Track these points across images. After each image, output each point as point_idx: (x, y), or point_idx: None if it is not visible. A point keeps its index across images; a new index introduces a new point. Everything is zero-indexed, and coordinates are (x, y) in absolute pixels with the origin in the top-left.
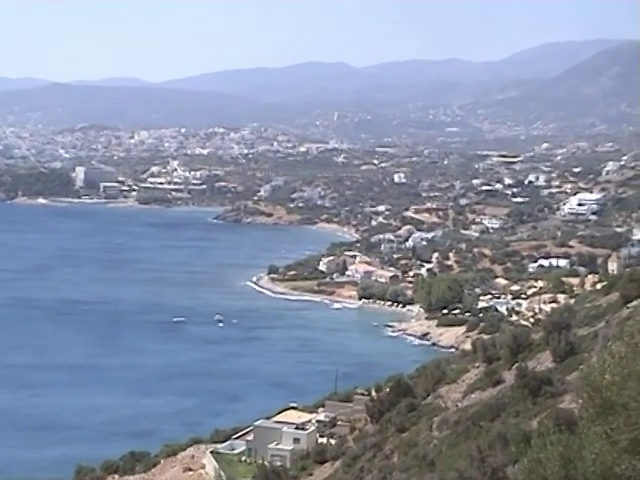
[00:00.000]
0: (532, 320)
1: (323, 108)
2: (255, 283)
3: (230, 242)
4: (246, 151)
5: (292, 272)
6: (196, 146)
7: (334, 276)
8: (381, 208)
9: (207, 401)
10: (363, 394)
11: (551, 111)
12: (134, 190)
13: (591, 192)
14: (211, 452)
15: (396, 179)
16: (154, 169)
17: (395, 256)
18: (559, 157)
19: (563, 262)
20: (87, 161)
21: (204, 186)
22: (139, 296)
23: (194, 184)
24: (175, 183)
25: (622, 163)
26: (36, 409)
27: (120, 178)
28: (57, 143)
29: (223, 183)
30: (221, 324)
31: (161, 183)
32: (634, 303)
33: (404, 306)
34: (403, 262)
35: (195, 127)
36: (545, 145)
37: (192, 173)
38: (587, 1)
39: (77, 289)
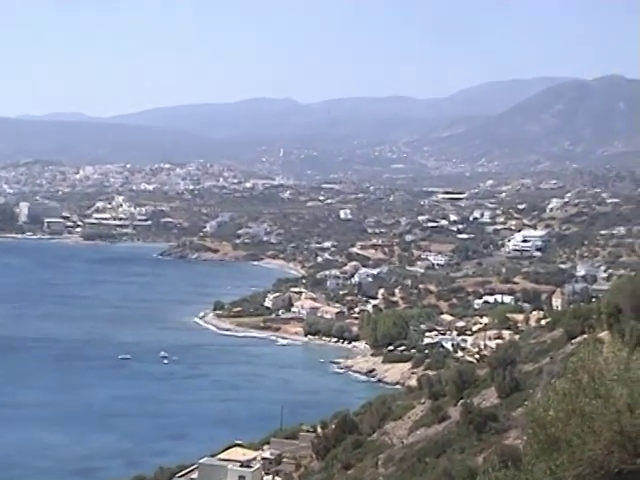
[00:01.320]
0: (477, 356)
1: (269, 144)
2: (200, 319)
3: (175, 278)
4: (192, 187)
5: (238, 308)
6: (141, 182)
7: (280, 312)
8: (327, 244)
9: (151, 439)
10: (309, 431)
11: (496, 148)
12: (79, 226)
13: (535, 229)
14: None
15: (342, 215)
16: (99, 204)
17: (341, 292)
18: (504, 194)
19: (508, 298)
20: (31, 196)
21: (149, 222)
22: (84, 332)
23: (139, 220)
24: (120, 219)
25: (566, 200)
26: None
27: (65, 214)
28: (0, 178)
29: (169, 219)
30: (166, 361)
31: (106, 219)
32: (578, 339)
33: (350, 342)
34: (349, 298)
35: (141, 163)
36: (490, 182)
37: (137, 209)
38: (530, 40)
39: (20, 325)
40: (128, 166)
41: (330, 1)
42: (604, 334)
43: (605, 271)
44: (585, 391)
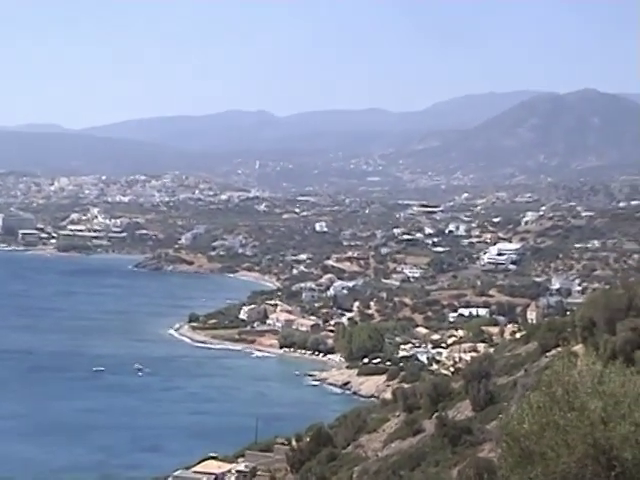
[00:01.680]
0: (452, 369)
1: (245, 156)
2: (175, 331)
3: (150, 290)
4: (167, 199)
5: (213, 320)
6: (117, 193)
7: (255, 325)
8: (302, 257)
9: (125, 451)
10: (283, 444)
11: (471, 161)
12: (53, 237)
13: (510, 242)
14: None
15: (317, 228)
16: (74, 216)
17: (316, 305)
18: (479, 207)
19: (483, 311)
20: (5, 208)
21: (125, 234)
22: (58, 344)
23: (114, 231)
24: (95, 230)
25: (541, 213)
26: None
27: (39, 225)
28: None
29: (144, 231)
30: (141, 373)
31: (81, 230)
32: (552, 352)
33: (325, 355)
34: (324, 311)
35: (116, 174)
36: (465, 195)
37: (112, 220)
38: (505, 53)
39: None
40: (103, 178)
41: (303, 14)
42: (578, 347)
43: (579, 284)
44: (559, 404)
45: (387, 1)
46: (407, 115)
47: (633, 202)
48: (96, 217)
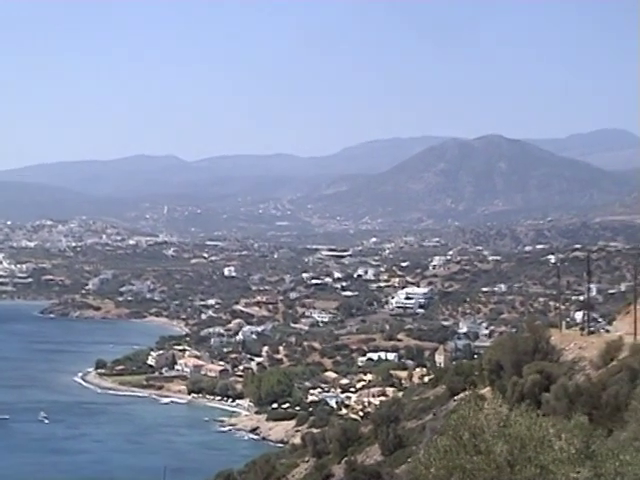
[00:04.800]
0: (361, 413)
1: (153, 201)
2: (82, 378)
3: (56, 336)
4: (74, 244)
5: (120, 367)
6: (22, 238)
7: (163, 370)
8: (211, 302)
9: None
10: None
11: (379, 206)
12: None
13: (418, 286)
14: None
15: (226, 273)
16: None
17: (225, 350)
18: (387, 251)
19: (391, 355)
20: None
21: (30, 279)
22: None
23: (20, 277)
24: (0, 276)
25: (448, 257)
26: None
27: None
28: None
29: (50, 276)
30: (47, 421)
31: None
32: (460, 396)
33: (234, 400)
34: (233, 356)
35: (22, 219)
36: (373, 239)
37: (18, 266)
38: (411, 100)
39: None
40: (8, 223)
41: (212, 60)
42: (486, 390)
43: (487, 328)
44: (466, 448)
45: (297, 46)
46: (316, 160)
47: (538, 246)
48: (1, 262)
